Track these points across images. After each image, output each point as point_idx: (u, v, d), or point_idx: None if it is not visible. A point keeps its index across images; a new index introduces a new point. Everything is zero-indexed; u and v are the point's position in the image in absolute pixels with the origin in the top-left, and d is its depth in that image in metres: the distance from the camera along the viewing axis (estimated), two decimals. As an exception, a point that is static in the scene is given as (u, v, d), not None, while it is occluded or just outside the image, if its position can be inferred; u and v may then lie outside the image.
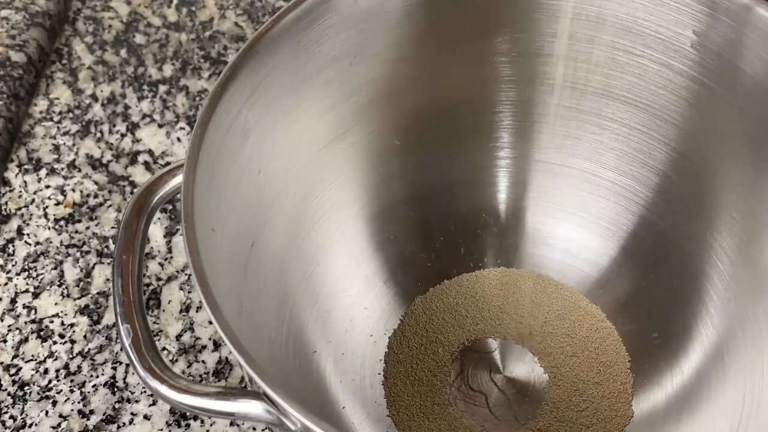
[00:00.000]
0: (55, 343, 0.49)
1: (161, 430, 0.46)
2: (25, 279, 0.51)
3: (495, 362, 0.47)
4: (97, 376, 0.48)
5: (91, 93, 0.60)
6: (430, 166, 0.50)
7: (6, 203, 0.55)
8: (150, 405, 0.47)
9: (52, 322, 0.50)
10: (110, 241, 0.53)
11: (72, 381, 0.48)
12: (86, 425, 0.46)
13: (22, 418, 0.46)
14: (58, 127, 0.58)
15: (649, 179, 0.47)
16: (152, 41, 0.63)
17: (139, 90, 0.60)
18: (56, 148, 0.57)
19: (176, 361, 0.48)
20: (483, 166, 0.50)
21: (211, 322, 0.49)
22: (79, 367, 0.48)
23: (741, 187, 0.43)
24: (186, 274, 0.52)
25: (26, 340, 0.49)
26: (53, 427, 0.46)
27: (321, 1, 0.41)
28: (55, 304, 0.51)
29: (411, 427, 0.45)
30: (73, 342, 0.49)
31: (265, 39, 0.40)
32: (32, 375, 0.48)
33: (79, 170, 0.56)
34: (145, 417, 0.46)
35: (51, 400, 0.47)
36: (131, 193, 0.55)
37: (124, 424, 0.46)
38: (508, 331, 0.48)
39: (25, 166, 0.56)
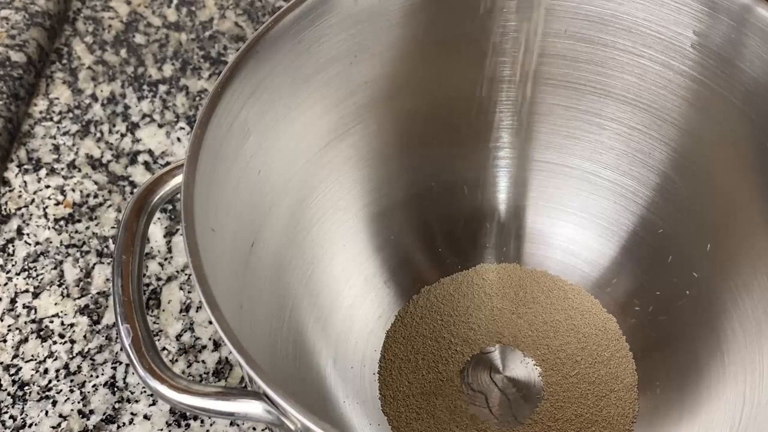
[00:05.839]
0: (55, 343, 0.49)
1: (161, 430, 0.46)
2: (25, 279, 0.51)
3: (495, 362, 0.47)
4: (97, 376, 0.48)
5: (91, 93, 0.60)
6: (430, 166, 0.50)
7: (6, 203, 0.55)
8: (150, 405, 0.47)
9: (52, 322, 0.50)
10: (110, 241, 0.53)
11: (72, 381, 0.48)
12: (86, 425, 0.46)
13: (22, 418, 0.46)
14: (58, 127, 0.58)
15: (649, 179, 0.47)
16: (152, 41, 0.63)
17: (139, 90, 0.60)
18: (56, 148, 0.57)
19: (176, 361, 0.48)
20: (483, 166, 0.50)
21: (211, 322, 0.49)
22: (79, 367, 0.48)
23: (741, 187, 0.43)
24: (186, 274, 0.52)
25: (26, 340, 0.49)
26: (53, 427, 0.46)
27: (321, 1, 0.41)
28: (55, 304, 0.51)
29: (410, 427, 0.45)
30: (73, 342, 0.49)
31: (265, 39, 0.40)
32: (32, 375, 0.48)
33: (79, 170, 0.56)
34: (145, 417, 0.46)
35: (51, 400, 0.47)
36: (131, 193, 0.55)
37: (124, 424, 0.46)
38: (509, 331, 0.48)
39: (25, 166, 0.56)
